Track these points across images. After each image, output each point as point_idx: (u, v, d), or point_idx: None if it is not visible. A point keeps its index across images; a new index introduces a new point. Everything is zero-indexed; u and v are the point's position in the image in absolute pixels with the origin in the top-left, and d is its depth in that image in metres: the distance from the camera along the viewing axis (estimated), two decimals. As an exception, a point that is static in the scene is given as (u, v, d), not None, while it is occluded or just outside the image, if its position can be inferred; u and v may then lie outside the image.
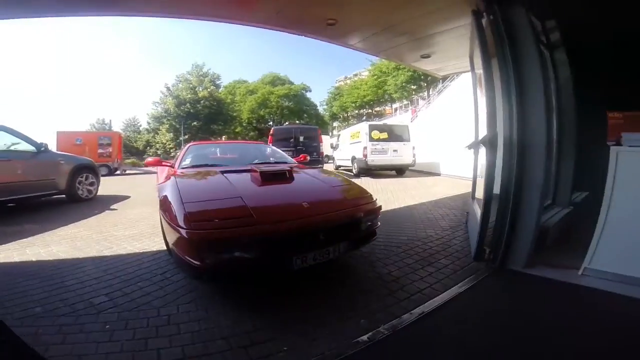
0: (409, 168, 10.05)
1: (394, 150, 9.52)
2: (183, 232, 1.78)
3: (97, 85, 67.04)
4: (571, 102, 3.56)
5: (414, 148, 9.78)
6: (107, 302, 1.83)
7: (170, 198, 2.15)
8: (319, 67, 68.49)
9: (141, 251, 2.72)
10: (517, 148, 2.01)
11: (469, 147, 2.29)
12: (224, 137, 27.00)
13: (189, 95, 26.95)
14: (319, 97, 55.39)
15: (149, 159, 3.62)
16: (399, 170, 9.86)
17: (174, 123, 27.66)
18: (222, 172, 2.73)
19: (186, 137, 27.18)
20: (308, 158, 4.41)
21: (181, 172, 2.92)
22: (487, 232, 2.30)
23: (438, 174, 9.97)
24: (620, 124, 4.33)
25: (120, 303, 1.83)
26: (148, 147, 31.29)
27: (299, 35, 4.47)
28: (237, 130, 30.88)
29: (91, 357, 1.37)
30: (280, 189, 2.52)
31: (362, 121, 18.46)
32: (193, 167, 3.17)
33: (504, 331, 1.56)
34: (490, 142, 2.09)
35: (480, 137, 2.46)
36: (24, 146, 4.65)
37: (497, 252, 2.21)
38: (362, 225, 2.23)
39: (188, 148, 3.79)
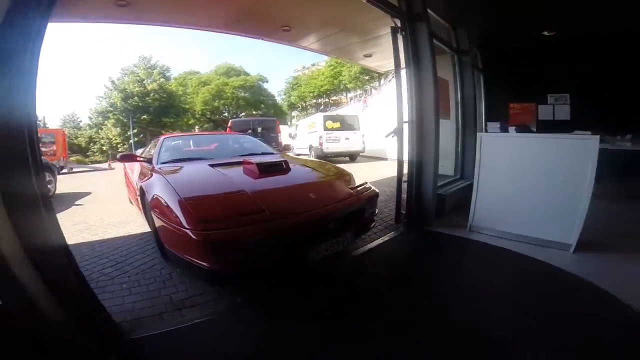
0: (360, 154, 11.03)
1: (346, 139, 10.42)
2: (190, 233, 1.70)
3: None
4: (475, 96, 4.53)
5: (363, 136, 10.74)
6: (115, 272, 2.32)
7: (164, 197, 2.03)
8: (277, 58, 67.30)
9: (127, 234, 3.15)
10: (416, 136, 2.84)
11: (386, 136, 3.06)
12: (197, 128, 25.91)
13: (137, 89, 25.36)
14: (277, 87, 54.91)
15: (122, 154, 3.44)
16: (351, 157, 10.80)
17: (121, 117, 25.94)
18: (212, 166, 2.60)
19: (135, 131, 25.72)
20: (290, 147, 4.62)
21: (163, 168, 2.70)
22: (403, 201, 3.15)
23: (386, 159, 11.07)
24: (519, 113, 5.52)
25: (127, 270, 2.33)
26: (92, 144, 29.01)
27: (257, 39, 4.97)
28: (190, 122, 29.85)
29: (123, 306, 1.87)
30: (281, 180, 2.40)
31: (320, 111, 19.12)
32: (175, 161, 2.94)
33: (405, 260, 2.41)
34: (397, 132, 2.89)
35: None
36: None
37: (410, 215, 3.06)
38: (365, 213, 2.28)
39: (163, 142, 3.59)
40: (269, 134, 10.17)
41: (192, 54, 67.18)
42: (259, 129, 10.24)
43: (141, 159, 3.27)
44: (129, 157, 3.37)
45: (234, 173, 2.46)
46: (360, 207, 2.24)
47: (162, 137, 3.74)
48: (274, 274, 2.04)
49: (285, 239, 1.85)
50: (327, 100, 34.27)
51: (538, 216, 2.54)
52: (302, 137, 12.23)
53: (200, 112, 30.44)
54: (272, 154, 3.52)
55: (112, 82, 26.26)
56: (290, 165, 2.63)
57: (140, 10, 3.63)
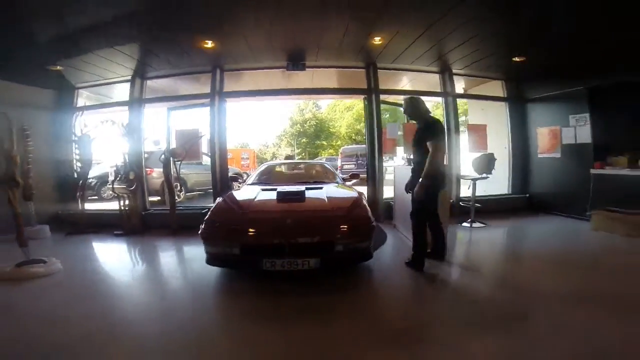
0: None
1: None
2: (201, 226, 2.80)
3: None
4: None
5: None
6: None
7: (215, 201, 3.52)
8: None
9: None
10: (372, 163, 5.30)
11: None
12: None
13: (298, 117, 34.01)
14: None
15: (231, 176, 5.18)
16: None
17: (290, 140, 35.18)
18: (262, 190, 3.55)
19: (298, 150, 34.06)
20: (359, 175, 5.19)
21: (244, 186, 4.16)
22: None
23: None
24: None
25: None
26: (274, 158, 39.96)
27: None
28: (337, 143, 35.94)
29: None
30: (284, 207, 2.99)
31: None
32: (252, 184, 4.20)
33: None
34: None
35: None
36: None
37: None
38: (335, 247, 2.58)
39: (261, 167, 5.17)
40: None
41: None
42: (361, 156, 13.17)
43: (240, 180, 5.12)
44: (233, 179, 5.14)
45: (264, 196, 3.31)
46: (325, 241, 2.61)
47: (263, 164, 5.74)
48: (240, 269, 2.91)
49: (246, 246, 2.59)
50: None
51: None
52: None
53: (345, 135, 36.16)
54: (324, 183, 4.15)
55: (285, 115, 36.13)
56: (309, 195, 3.22)
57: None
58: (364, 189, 4.68)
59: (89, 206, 5.53)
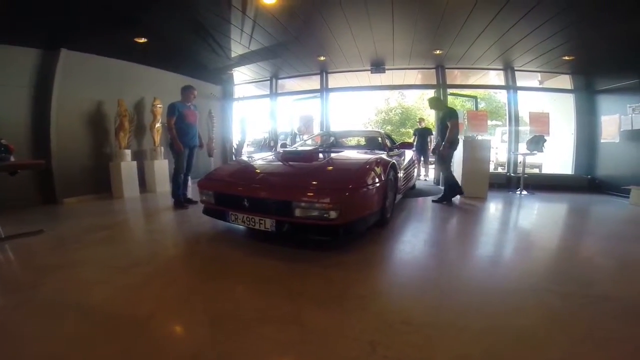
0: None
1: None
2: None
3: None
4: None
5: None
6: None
7: None
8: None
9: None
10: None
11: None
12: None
13: (384, 106, 35.11)
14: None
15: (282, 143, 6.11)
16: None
17: (374, 128, 36.80)
18: (283, 152, 3.93)
19: (382, 137, 35.44)
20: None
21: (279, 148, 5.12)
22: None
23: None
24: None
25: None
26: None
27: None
28: (425, 131, 35.77)
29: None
30: (277, 166, 3.02)
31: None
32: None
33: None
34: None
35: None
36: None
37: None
38: (293, 210, 2.21)
39: (315, 134, 6.37)
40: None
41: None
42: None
43: (288, 145, 5.70)
44: (283, 145, 5.62)
45: (276, 157, 3.38)
46: (283, 203, 2.26)
47: (320, 132, 6.88)
48: (218, 218, 2.77)
49: (217, 197, 2.64)
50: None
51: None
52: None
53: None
54: (360, 149, 4.72)
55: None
56: (317, 158, 3.21)
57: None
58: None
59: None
